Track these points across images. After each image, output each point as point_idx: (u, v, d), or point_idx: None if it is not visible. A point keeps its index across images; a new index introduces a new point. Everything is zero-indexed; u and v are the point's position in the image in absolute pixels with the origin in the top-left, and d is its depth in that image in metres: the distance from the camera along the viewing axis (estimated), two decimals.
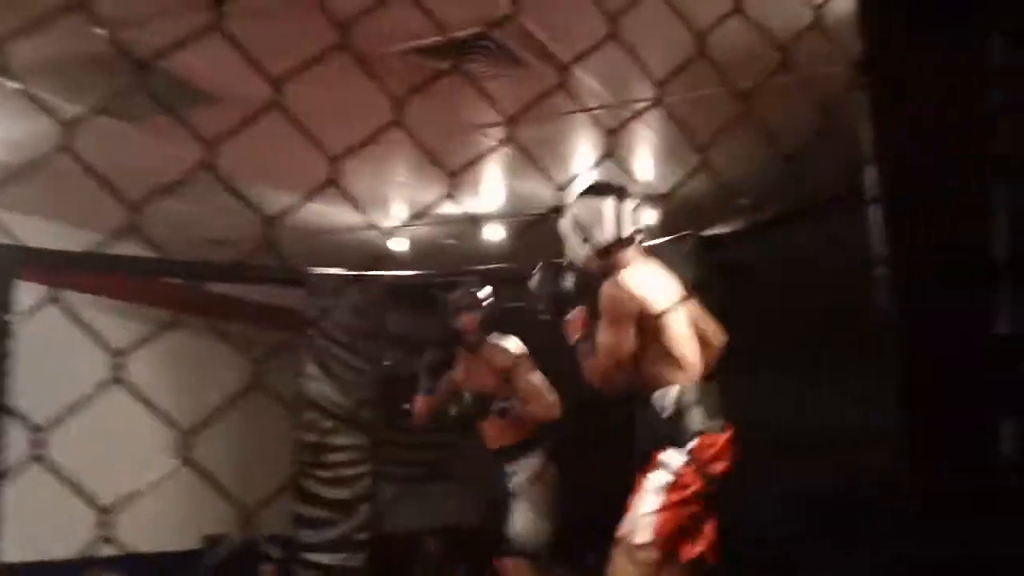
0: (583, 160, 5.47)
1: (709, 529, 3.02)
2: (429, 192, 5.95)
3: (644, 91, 4.59)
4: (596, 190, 3.18)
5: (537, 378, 4.15)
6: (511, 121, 0.88)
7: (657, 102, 0.90)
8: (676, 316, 3.07)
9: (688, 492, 2.94)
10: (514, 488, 4.07)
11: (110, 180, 0.72)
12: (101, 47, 3.87)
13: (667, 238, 4.92)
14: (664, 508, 2.93)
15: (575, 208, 3.16)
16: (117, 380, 0.70)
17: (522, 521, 3.98)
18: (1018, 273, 1.01)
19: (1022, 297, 1.01)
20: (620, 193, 3.14)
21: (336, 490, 5.28)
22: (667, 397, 3.03)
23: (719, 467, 2.99)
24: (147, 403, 0.77)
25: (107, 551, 5.76)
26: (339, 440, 5.32)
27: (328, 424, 5.29)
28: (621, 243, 3.12)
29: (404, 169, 5.62)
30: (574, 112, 4.64)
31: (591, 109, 4.52)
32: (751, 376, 4.97)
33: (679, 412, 3.00)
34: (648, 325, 2.99)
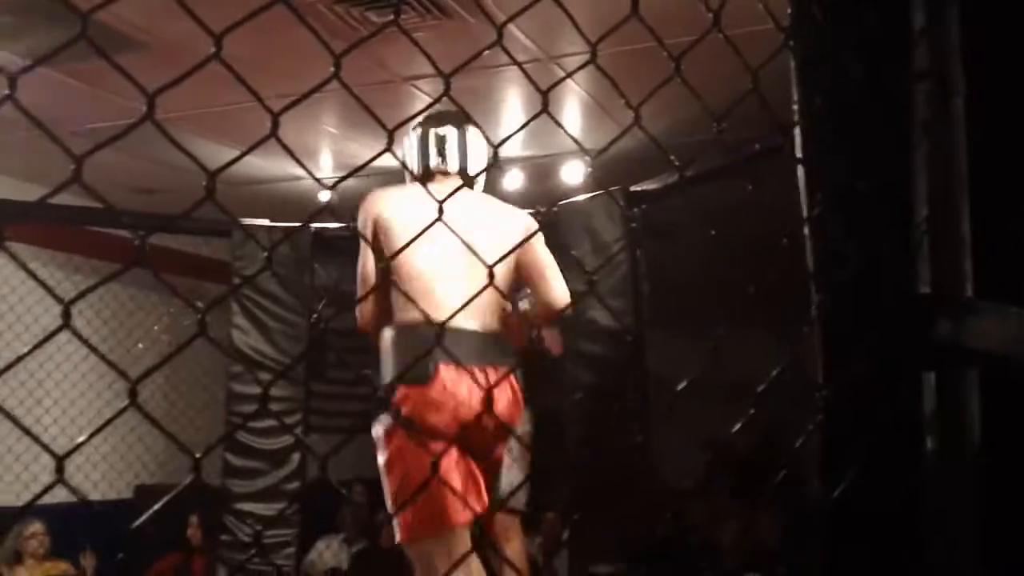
0: (512, 115, 5.50)
1: (475, 491, 2.58)
2: (357, 143, 5.92)
3: (572, 45, 4.62)
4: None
5: None
6: (444, 74, 0.88)
7: (591, 59, 0.91)
8: (426, 248, 2.52)
9: (395, 450, 2.55)
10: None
11: (47, 129, 0.72)
12: None
13: (593, 194, 4.98)
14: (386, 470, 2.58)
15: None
16: (66, 327, 0.71)
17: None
18: (938, 234, 1.06)
19: (941, 257, 1.06)
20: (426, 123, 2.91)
21: (267, 440, 5.29)
22: (383, 339, 2.68)
23: (432, 420, 2.49)
24: (94, 351, 0.78)
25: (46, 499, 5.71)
26: (270, 391, 5.32)
27: (259, 375, 5.28)
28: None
29: (333, 119, 5.58)
30: (503, 66, 4.65)
31: (521, 63, 4.52)
32: (673, 331, 5.10)
33: (383, 359, 2.66)
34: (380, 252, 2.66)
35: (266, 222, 5.14)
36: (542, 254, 2.79)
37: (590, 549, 4.72)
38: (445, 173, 2.87)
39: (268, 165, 6.02)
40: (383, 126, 0.84)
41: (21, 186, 5.72)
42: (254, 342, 5.33)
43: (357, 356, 6.80)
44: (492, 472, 2.67)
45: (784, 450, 4.78)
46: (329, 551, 6.26)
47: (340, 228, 5.75)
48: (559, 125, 1.01)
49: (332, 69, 0.88)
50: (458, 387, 2.49)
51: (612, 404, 4.61)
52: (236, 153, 0.89)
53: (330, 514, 6.51)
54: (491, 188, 3.10)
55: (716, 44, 1.16)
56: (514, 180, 6.34)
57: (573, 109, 5.40)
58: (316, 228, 5.37)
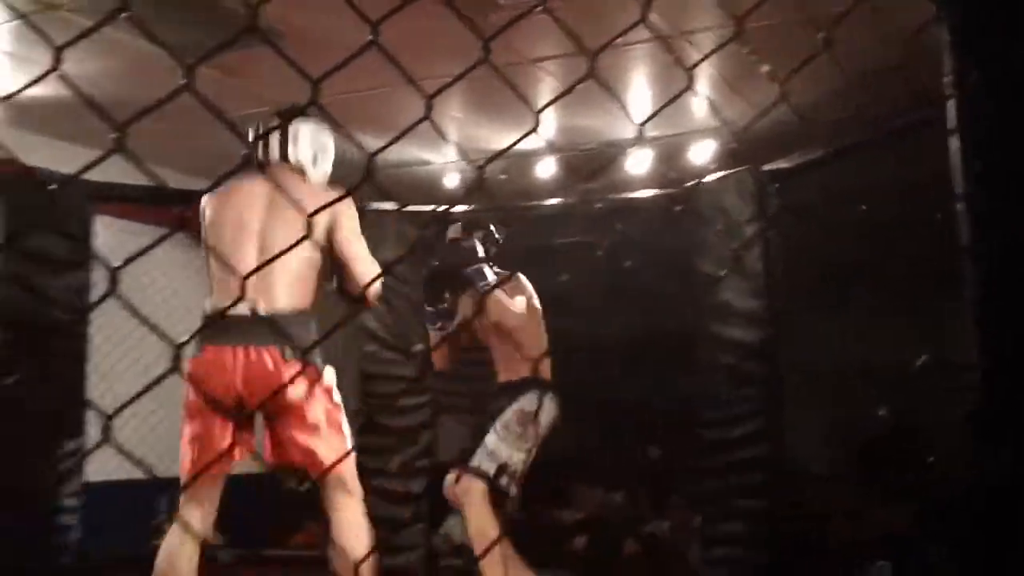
0: (638, 94, 5.42)
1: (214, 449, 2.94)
2: (482, 127, 5.94)
3: (699, 20, 4.52)
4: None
5: (533, 335, 4.08)
6: (590, 52, 0.87)
7: (737, 35, 0.88)
8: (226, 236, 3.01)
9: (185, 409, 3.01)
10: (499, 415, 3.92)
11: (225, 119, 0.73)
12: None
13: (726, 172, 4.86)
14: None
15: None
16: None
17: (492, 444, 3.84)
18: None
19: None
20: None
21: (398, 419, 5.40)
22: None
23: (209, 387, 2.91)
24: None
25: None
26: (400, 371, 5.42)
27: (388, 355, 5.39)
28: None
29: (458, 105, 5.62)
30: (630, 45, 4.59)
31: (650, 40, 4.45)
32: (813, 315, 4.95)
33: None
34: None
35: (391, 206, 5.22)
36: (345, 242, 3.09)
37: (720, 535, 4.64)
38: (269, 165, 3.14)
39: (397, 149, 6.10)
40: (530, 108, 0.82)
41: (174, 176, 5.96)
42: (385, 322, 5.43)
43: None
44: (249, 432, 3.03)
45: (923, 434, 4.60)
46: (458, 528, 6.35)
47: (469, 211, 5.81)
48: (710, 103, 0.97)
49: (478, 54, 0.87)
50: (213, 363, 2.89)
51: (744, 387, 4.52)
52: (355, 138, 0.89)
53: None
54: (614, 170, 3.08)
55: (857, 16, 1.10)
56: (642, 160, 6.26)
57: (703, 86, 5.29)
58: (441, 211, 5.43)
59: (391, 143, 1.06)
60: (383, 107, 5.07)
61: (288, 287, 2.97)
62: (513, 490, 3.86)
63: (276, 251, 2.85)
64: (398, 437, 5.40)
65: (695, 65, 0.99)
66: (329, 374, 3.10)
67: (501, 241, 4.16)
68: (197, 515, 2.98)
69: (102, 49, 4.65)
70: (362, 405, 5.67)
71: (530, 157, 6.44)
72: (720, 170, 5.00)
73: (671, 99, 1.00)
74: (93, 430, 5.33)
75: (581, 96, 5.38)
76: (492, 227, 4.17)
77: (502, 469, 3.79)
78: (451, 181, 6.97)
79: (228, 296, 2.94)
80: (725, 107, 5.45)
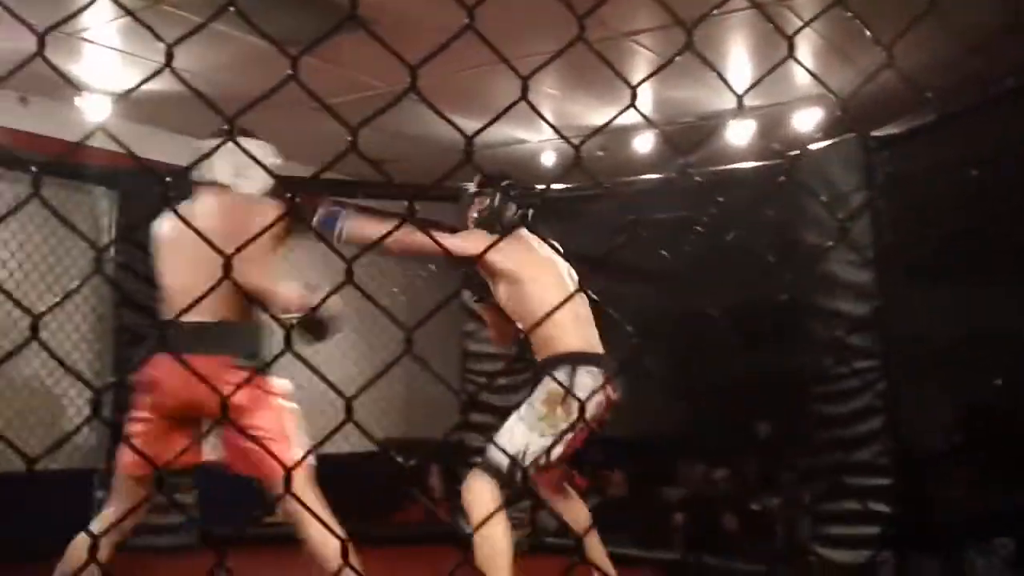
0: (740, 63, 5.31)
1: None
2: (577, 104, 5.91)
3: None
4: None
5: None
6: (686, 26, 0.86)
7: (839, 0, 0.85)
8: (171, 254, 3.22)
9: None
10: (520, 402, 3.50)
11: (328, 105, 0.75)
12: None
13: (831, 140, 4.74)
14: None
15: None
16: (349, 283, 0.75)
17: (509, 430, 3.42)
18: None
19: None
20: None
21: (502, 397, 5.44)
22: None
23: (158, 394, 3.08)
24: (378, 306, 0.83)
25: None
26: (500, 349, 5.47)
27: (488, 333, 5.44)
28: None
29: (552, 81, 5.60)
30: (727, 13, 4.50)
31: (748, 8, 4.37)
32: (918, 285, 4.81)
33: None
34: None
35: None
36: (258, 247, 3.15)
37: (832, 512, 4.56)
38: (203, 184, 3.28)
39: (493, 129, 6.12)
40: (627, 83, 0.82)
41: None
42: None
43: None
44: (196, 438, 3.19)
45: None
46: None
47: (563, 190, 5.79)
48: (809, 72, 0.95)
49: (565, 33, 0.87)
50: (164, 370, 3.04)
51: (855, 360, 4.42)
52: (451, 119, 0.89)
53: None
54: (715, 142, 3.03)
55: None
56: (744, 131, 6.14)
57: (805, 53, 5.15)
58: (540, 189, 5.42)
59: (488, 124, 1.07)
60: (479, 88, 5.09)
61: (235, 299, 3.05)
62: (527, 476, 3.46)
63: (211, 265, 2.91)
64: (501, 415, 5.46)
65: (797, 32, 0.97)
66: (279, 383, 3.13)
67: (519, 196, 3.80)
68: (122, 510, 3.14)
69: (210, 43, 4.78)
70: (464, 383, 5.74)
71: (628, 132, 6.39)
72: (824, 139, 4.88)
73: (772, 67, 0.98)
74: None
75: (678, 69, 5.31)
76: (510, 182, 3.81)
77: (516, 460, 3.33)
78: (548, 159, 6.97)
79: (178, 306, 3.08)
80: (829, 74, 5.31)
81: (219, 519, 5.48)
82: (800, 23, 4.76)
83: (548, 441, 3.31)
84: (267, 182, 3.32)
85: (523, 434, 3.35)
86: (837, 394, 4.49)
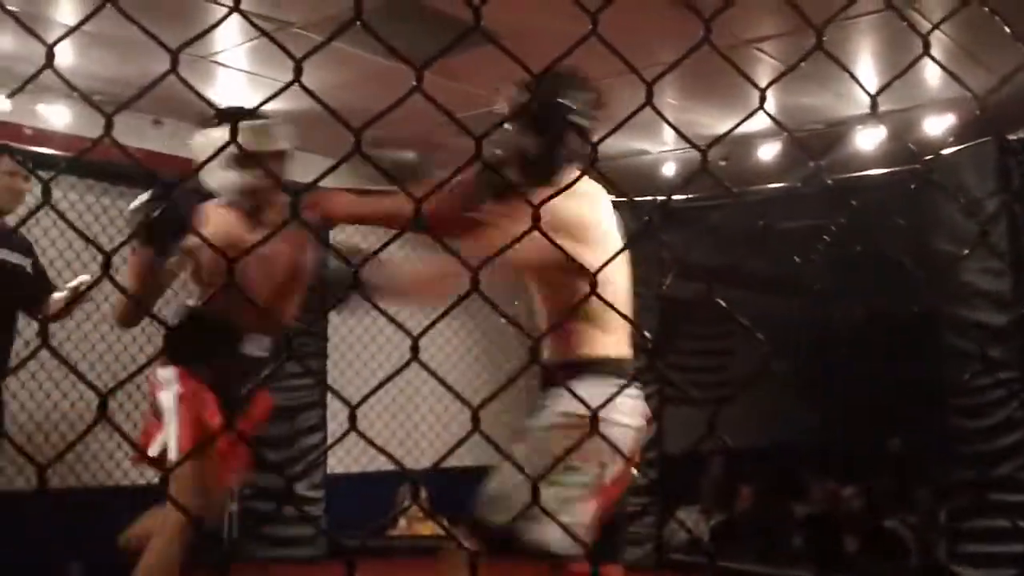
0: (867, 68, 5.16)
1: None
2: (697, 113, 5.84)
3: None
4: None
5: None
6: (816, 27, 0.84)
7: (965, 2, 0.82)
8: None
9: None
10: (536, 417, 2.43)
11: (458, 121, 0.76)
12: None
13: (966, 144, 4.56)
14: None
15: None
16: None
17: (506, 476, 2.36)
18: None
19: None
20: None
21: None
22: None
23: None
24: (501, 315, 0.84)
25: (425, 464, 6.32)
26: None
27: None
28: None
29: (673, 91, 5.55)
30: (853, 18, 4.38)
31: (877, 12, 4.25)
32: None
33: None
34: None
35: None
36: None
37: (971, 530, 4.37)
38: None
39: (614, 140, 6.10)
40: (755, 85, 0.80)
41: None
42: None
43: (703, 327, 6.81)
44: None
45: None
46: (689, 521, 6.30)
47: (686, 199, 5.73)
48: (946, 70, 0.92)
49: (700, 35, 0.86)
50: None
51: (993, 373, 4.23)
52: None
53: (690, 485, 6.52)
54: (842, 148, 2.94)
55: None
56: (873, 137, 5.96)
57: (935, 55, 4.97)
58: (662, 199, 5.38)
59: (612, 132, 1.06)
60: (608, 94, 5.07)
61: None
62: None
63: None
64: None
65: (932, 29, 0.93)
66: (165, 372, 3.06)
67: None
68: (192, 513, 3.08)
69: (331, 63, 4.91)
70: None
71: (751, 141, 6.28)
72: (958, 143, 4.70)
73: (908, 65, 0.95)
74: (331, 425, 5.67)
75: (802, 75, 5.19)
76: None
77: (517, 524, 2.20)
78: (669, 170, 6.90)
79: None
80: (962, 76, 5.11)
81: (347, 531, 5.60)
82: (929, 26, 4.61)
83: (574, 492, 2.26)
84: (226, 180, 3.16)
85: (525, 486, 1.76)
86: (976, 407, 4.30)
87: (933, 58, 0.88)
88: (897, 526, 5.84)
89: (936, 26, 0.93)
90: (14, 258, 3.77)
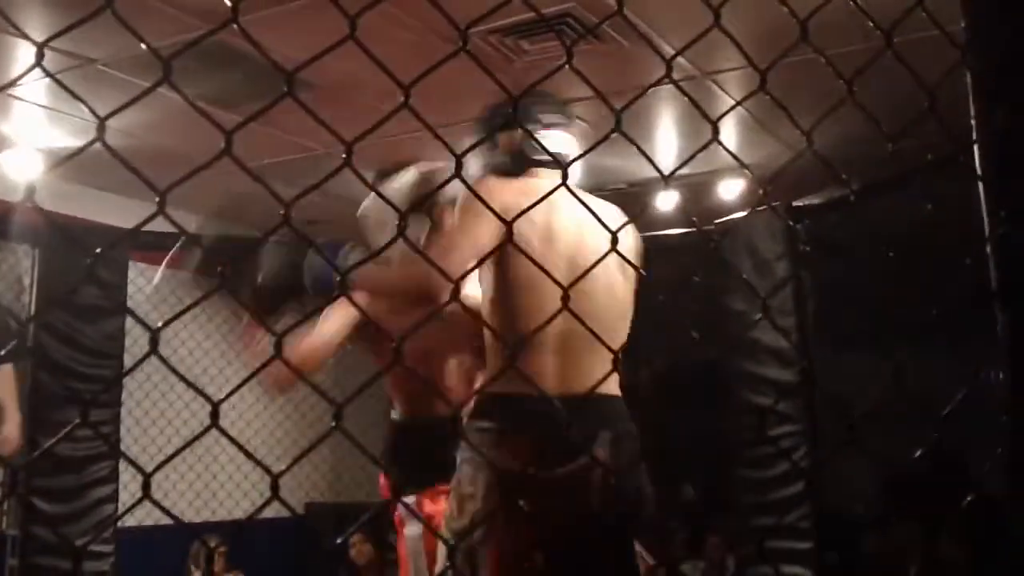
0: (668, 134, 5.44)
1: None
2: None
3: (728, 61, 4.53)
4: None
5: None
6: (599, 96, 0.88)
7: (761, 87, 0.88)
8: None
9: None
10: None
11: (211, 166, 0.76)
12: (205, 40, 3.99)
13: (754, 210, 4.86)
14: None
15: None
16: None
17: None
18: None
19: None
20: None
21: None
22: None
23: None
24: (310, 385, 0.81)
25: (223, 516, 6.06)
26: None
27: None
28: None
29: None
30: (656, 86, 4.61)
31: (676, 81, 4.47)
32: (842, 351, 4.91)
33: None
34: None
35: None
36: None
37: None
38: None
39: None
40: (558, 161, 0.82)
41: None
42: None
43: None
44: None
45: (969, 474, 4.52)
46: None
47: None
48: (734, 156, 0.98)
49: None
50: None
51: (780, 426, 4.48)
52: None
53: None
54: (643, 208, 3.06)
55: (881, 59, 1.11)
56: (669, 199, 6.25)
57: (729, 124, 5.29)
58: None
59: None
60: (419, 150, 5.10)
61: None
62: None
63: None
64: None
65: (721, 116, 0.99)
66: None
67: None
68: None
69: (140, 102, 4.73)
70: None
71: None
72: (749, 207, 5.00)
73: (696, 151, 1.01)
74: (125, 475, 5.39)
75: (610, 137, 5.37)
76: None
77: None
78: None
79: None
80: (753, 144, 5.45)
81: None
82: (724, 95, 4.91)
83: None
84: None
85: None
86: (763, 458, 4.53)
87: (721, 143, 0.94)
88: (690, 572, 6.05)
89: (725, 113, 0.99)
90: None
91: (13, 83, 2.69)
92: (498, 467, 1.95)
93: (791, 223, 4.61)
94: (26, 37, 4.06)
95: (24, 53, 4.35)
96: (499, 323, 2.08)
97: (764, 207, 4.77)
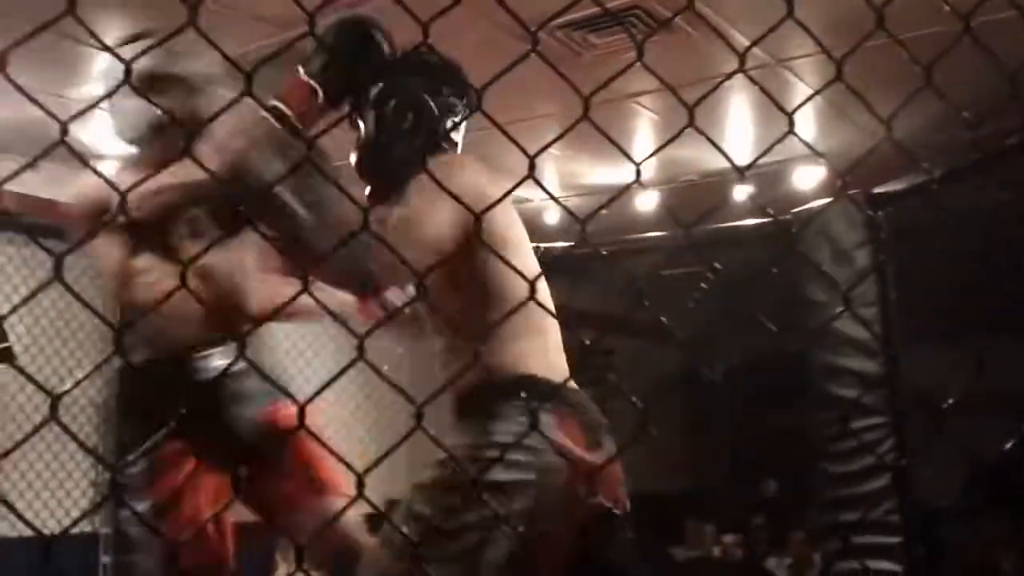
0: (740, 122, 5.37)
1: None
2: (578, 163, 5.96)
3: (800, 47, 4.46)
4: None
5: None
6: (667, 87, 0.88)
7: (838, 76, 0.87)
8: None
9: None
10: None
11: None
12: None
13: (832, 198, 4.76)
14: None
15: None
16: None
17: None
18: None
19: None
20: None
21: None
22: None
23: None
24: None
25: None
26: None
27: None
28: None
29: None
30: (731, 75, 4.55)
31: (748, 70, 4.42)
32: (926, 340, 4.79)
33: None
34: None
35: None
36: None
37: (845, 572, 4.51)
38: None
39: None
40: (525, 153, 0.83)
41: None
42: None
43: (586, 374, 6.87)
44: None
45: None
46: None
47: (568, 247, 5.80)
48: (809, 145, 0.97)
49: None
50: None
51: (865, 418, 4.39)
52: None
53: None
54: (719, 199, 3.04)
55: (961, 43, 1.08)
56: (743, 190, 6.17)
57: (806, 112, 5.20)
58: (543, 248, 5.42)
59: (504, 196, 1.06)
60: (486, 151, 5.13)
61: None
62: None
63: None
64: None
65: (797, 108, 0.98)
66: None
67: None
68: None
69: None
70: None
71: (631, 191, 6.42)
72: (827, 196, 4.91)
73: (772, 144, 1.00)
74: None
75: (679, 127, 5.31)
76: None
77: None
78: (551, 218, 6.98)
79: None
80: (830, 131, 5.35)
81: None
82: (797, 81, 4.83)
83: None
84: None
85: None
86: (847, 452, 4.45)
87: (797, 135, 0.93)
88: (776, 568, 5.98)
89: (801, 105, 0.98)
90: None
91: (104, 98, 2.66)
92: None
93: (871, 212, 4.50)
94: (116, 56, 4.14)
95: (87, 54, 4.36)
96: None
97: (843, 195, 4.68)
